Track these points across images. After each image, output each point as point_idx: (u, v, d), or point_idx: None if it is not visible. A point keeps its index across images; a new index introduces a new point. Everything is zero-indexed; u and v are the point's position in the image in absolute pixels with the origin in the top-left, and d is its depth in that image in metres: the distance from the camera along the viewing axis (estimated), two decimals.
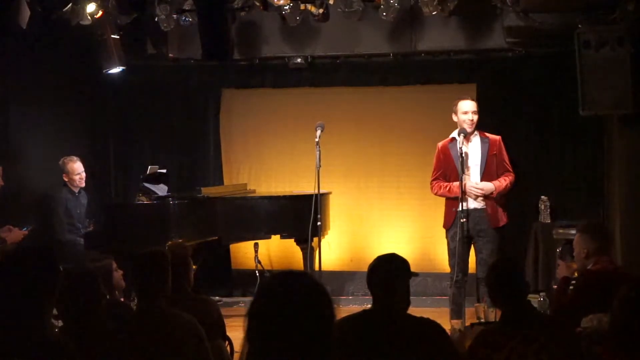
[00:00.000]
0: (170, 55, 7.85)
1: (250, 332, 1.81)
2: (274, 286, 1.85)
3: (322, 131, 6.44)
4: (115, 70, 7.21)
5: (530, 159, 7.60)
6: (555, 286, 4.92)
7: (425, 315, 3.26)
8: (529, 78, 7.65)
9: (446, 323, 5.65)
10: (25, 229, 6.59)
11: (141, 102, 8.43)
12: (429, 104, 7.92)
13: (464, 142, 5.93)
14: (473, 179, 6.06)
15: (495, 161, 6.09)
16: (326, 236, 7.16)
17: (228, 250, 8.23)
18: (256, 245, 7.92)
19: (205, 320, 3.63)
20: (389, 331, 3.13)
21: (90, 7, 6.54)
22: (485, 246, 6.01)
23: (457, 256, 5.88)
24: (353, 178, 8.13)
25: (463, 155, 5.87)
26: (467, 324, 5.10)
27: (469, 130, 6.02)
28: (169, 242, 6.06)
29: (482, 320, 4.81)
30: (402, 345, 3.09)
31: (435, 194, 6.21)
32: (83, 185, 7.20)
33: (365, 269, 3.34)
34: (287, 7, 6.69)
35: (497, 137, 6.18)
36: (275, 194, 7.43)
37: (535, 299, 6.21)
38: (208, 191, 7.11)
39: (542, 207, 7.15)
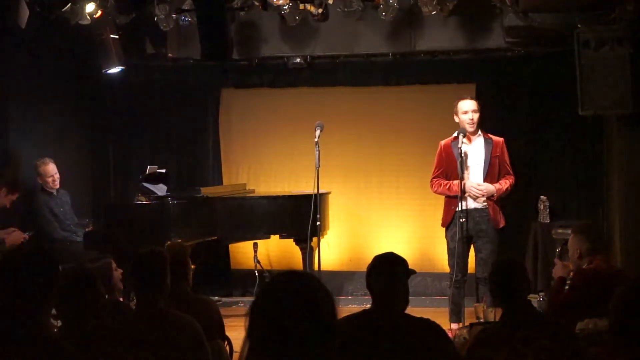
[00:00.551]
0: (169, 55, 7.85)
1: (251, 331, 1.80)
2: (276, 285, 1.85)
3: (321, 131, 6.44)
4: (115, 70, 7.21)
5: (529, 158, 7.59)
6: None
7: (424, 315, 3.26)
8: (529, 78, 7.65)
9: (445, 323, 5.65)
10: (27, 233, 6.59)
11: (140, 101, 8.41)
12: (428, 104, 7.92)
13: (465, 142, 5.94)
14: (475, 179, 6.06)
15: (498, 162, 6.10)
16: (325, 236, 7.16)
17: (227, 250, 8.23)
18: (255, 245, 7.91)
19: (204, 320, 3.63)
20: (388, 331, 3.13)
21: (90, 7, 6.54)
22: (484, 246, 6.02)
23: (457, 256, 5.89)
24: (352, 178, 8.13)
25: (462, 155, 5.88)
26: (467, 323, 5.10)
27: (470, 130, 6.02)
28: (168, 242, 6.04)
29: (482, 320, 4.81)
30: (401, 346, 3.09)
31: (435, 192, 6.21)
32: (57, 186, 7.16)
33: (364, 268, 3.34)
34: (286, 7, 6.68)
35: (500, 139, 6.18)
36: (275, 194, 7.42)
37: (535, 299, 6.23)
38: (207, 191, 7.10)
39: (542, 207, 7.14)
